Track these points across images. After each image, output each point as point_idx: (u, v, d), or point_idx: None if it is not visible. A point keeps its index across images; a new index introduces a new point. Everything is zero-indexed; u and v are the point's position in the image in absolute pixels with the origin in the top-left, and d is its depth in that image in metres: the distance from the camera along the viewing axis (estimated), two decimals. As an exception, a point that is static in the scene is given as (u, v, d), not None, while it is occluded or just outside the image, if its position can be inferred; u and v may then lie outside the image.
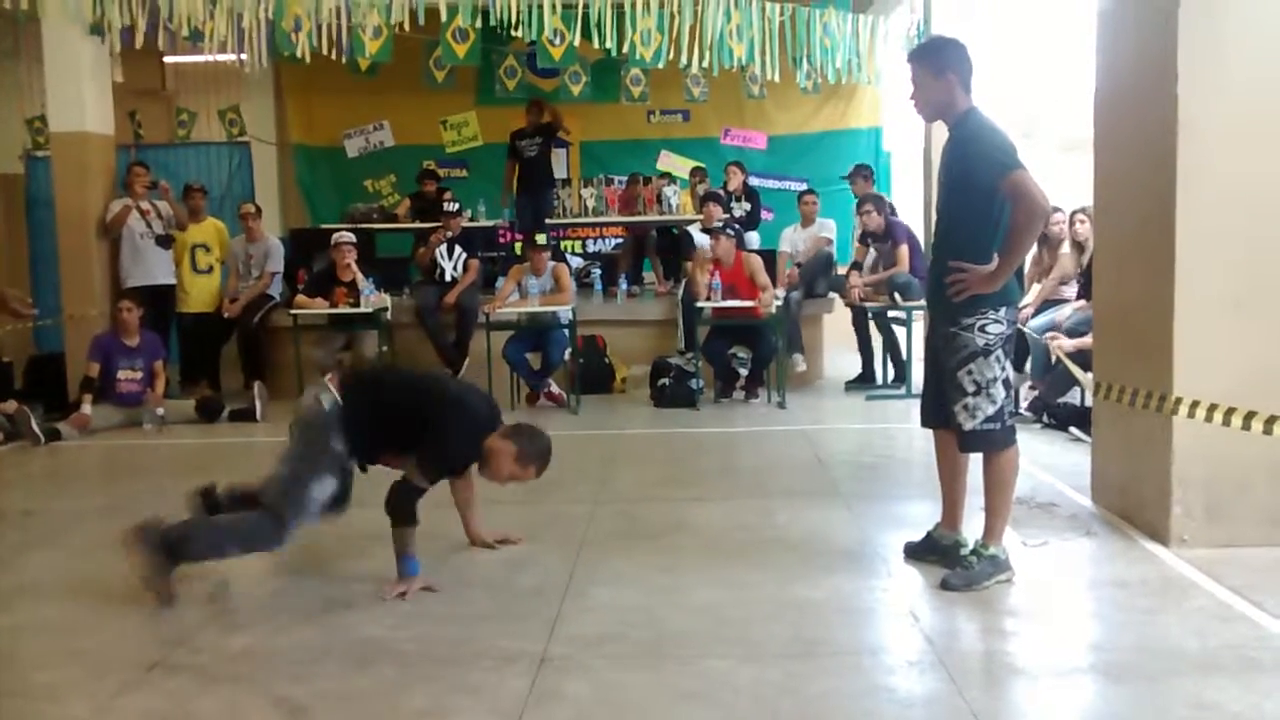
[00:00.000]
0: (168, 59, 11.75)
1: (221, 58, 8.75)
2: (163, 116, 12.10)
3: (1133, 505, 4.70)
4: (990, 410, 3.89)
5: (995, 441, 3.94)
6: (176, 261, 9.06)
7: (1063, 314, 7.29)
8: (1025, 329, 7.38)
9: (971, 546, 4.07)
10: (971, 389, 3.89)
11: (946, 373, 3.97)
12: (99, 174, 8.98)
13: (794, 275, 9.08)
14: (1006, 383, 3.94)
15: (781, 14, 8.71)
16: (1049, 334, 7.06)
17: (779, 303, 8.22)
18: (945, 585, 3.95)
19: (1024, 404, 7.32)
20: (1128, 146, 4.74)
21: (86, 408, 7.69)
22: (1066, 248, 7.73)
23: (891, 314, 8.70)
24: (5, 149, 11.37)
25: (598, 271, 10.87)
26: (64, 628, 3.85)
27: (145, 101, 11.83)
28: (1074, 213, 7.49)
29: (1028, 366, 7.61)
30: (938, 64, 3.93)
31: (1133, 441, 4.69)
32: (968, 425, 3.92)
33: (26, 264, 11.27)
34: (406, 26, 8.10)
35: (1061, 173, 9.22)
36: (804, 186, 11.83)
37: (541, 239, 8.64)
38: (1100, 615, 3.79)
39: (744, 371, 8.35)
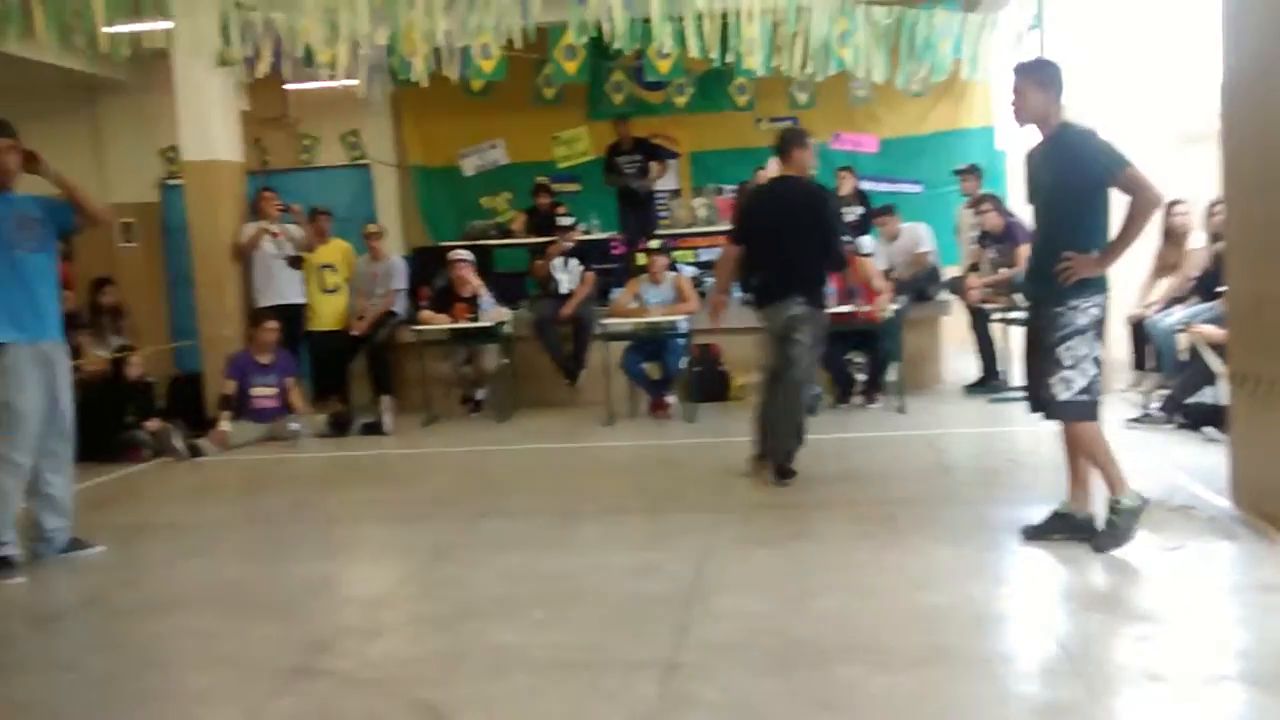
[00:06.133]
0: (289, 87, 12.16)
1: (341, 84, 9.04)
2: (287, 142, 12.50)
3: (1277, 507, 4.54)
4: (1083, 383, 4.31)
5: (1085, 411, 4.34)
6: (305, 281, 9.37)
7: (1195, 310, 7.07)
8: (1153, 326, 7.19)
9: (1107, 507, 4.39)
10: (1069, 363, 4.30)
11: (1046, 351, 4.36)
12: (229, 200, 9.35)
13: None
14: (1097, 361, 4.33)
15: (888, 17, 8.63)
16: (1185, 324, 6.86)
17: (895, 307, 8.14)
18: (1095, 548, 4.31)
19: (1155, 404, 7.12)
20: (1256, 135, 4.59)
21: (225, 425, 8.02)
22: (1200, 241, 7.46)
23: (1012, 315, 8.54)
24: (142, 178, 11.90)
25: (710, 280, 10.89)
26: (212, 634, 4.04)
27: (270, 129, 12.23)
28: (1212, 204, 7.16)
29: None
30: (1043, 79, 4.41)
31: (1273, 440, 4.53)
32: (1062, 395, 4.32)
33: (164, 288, 11.77)
34: (518, 44, 8.26)
35: (1181, 166, 8.93)
36: (918, 189, 11.71)
37: (656, 244, 8.74)
38: (1246, 621, 3.66)
39: (861, 377, 8.29)
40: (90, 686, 3.56)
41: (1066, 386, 4.31)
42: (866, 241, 9.76)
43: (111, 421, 7.78)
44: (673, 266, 9.25)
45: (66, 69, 10.01)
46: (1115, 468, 4.38)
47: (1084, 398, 4.31)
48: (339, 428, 8.30)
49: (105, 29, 7.00)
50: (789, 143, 6.03)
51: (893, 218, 9.46)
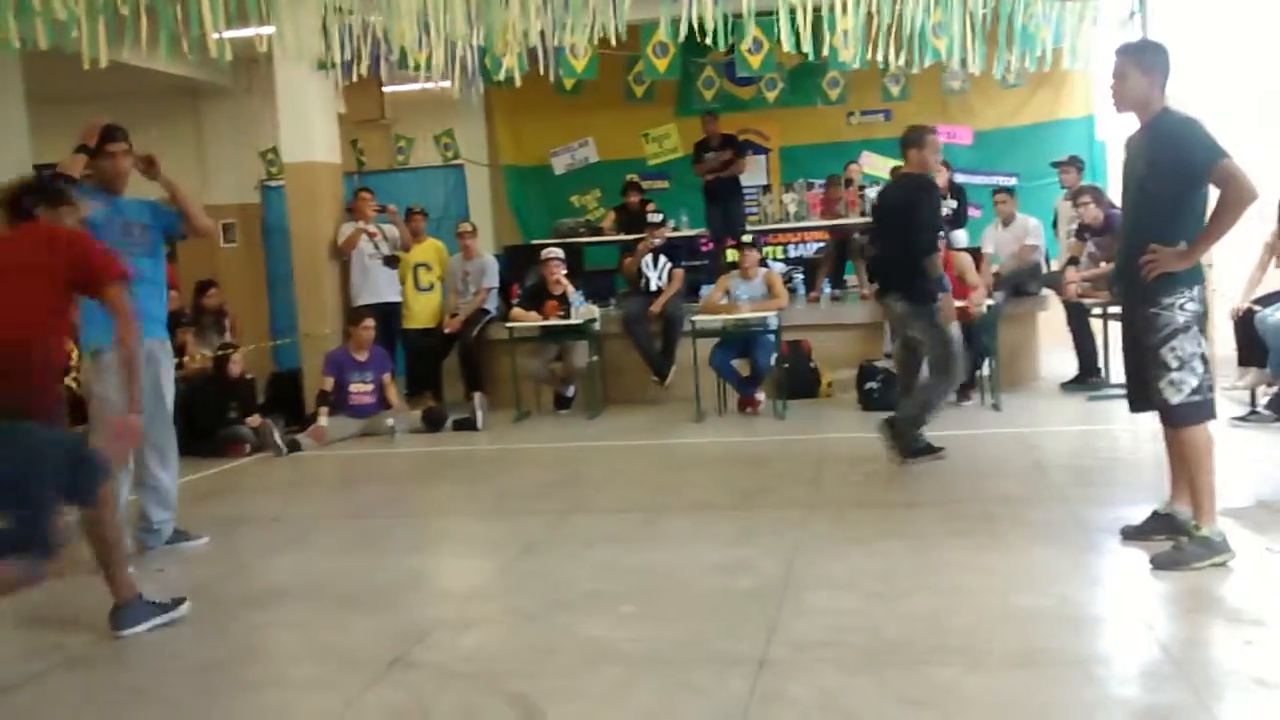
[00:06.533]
0: (386, 89, 12.39)
1: (435, 85, 9.18)
2: (383, 144, 12.76)
3: (1393, 509, 4.36)
4: (1194, 383, 4.08)
5: (1201, 413, 4.11)
6: (400, 280, 9.54)
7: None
8: (1262, 321, 6.94)
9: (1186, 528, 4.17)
10: (1175, 364, 4.08)
11: (1149, 352, 4.15)
12: (328, 201, 9.57)
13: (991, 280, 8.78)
14: (1204, 359, 4.11)
15: (984, 7, 8.48)
16: None
17: (990, 302, 7.99)
18: (1153, 564, 4.07)
19: (1263, 402, 6.89)
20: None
21: (323, 420, 8.21)
22: None
23: (1113, 310, 8.32)
24: (243, 180, 12.24)
25: (800, 276, 10.84)
26: (311, 625, 4.15)
27: (366, 130, 12.48)
28: None
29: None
30: (1147, 61, 4.20)
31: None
32: (1175, 399, 4.10)
33: (264, 286, 12.09)
34: (613, 42, 8.29)
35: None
36: (1014, 181, 11.49)
37: (748, 238, 8.73)
38: (1361, 626, 3.53)
39: (954, 373, 8.14)
40: (196, 674, 3.68)
41: (1177, 389, 4.08)
42: (960, 236, 9.62)
43: (214, 417, 8.02)
44: (763, 262, 9.21)
45: (171, 74, 10.32)
46: (1211, 497, 4.11)
47: (1197, 398, 4.09)
48: (433, 423, 8.44)
49: (213, 34, 7.22)
50: (905, 144, 6.19)
51: (1012, 199, 9.32)
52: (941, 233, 8.10)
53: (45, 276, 3.76)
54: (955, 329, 6.12)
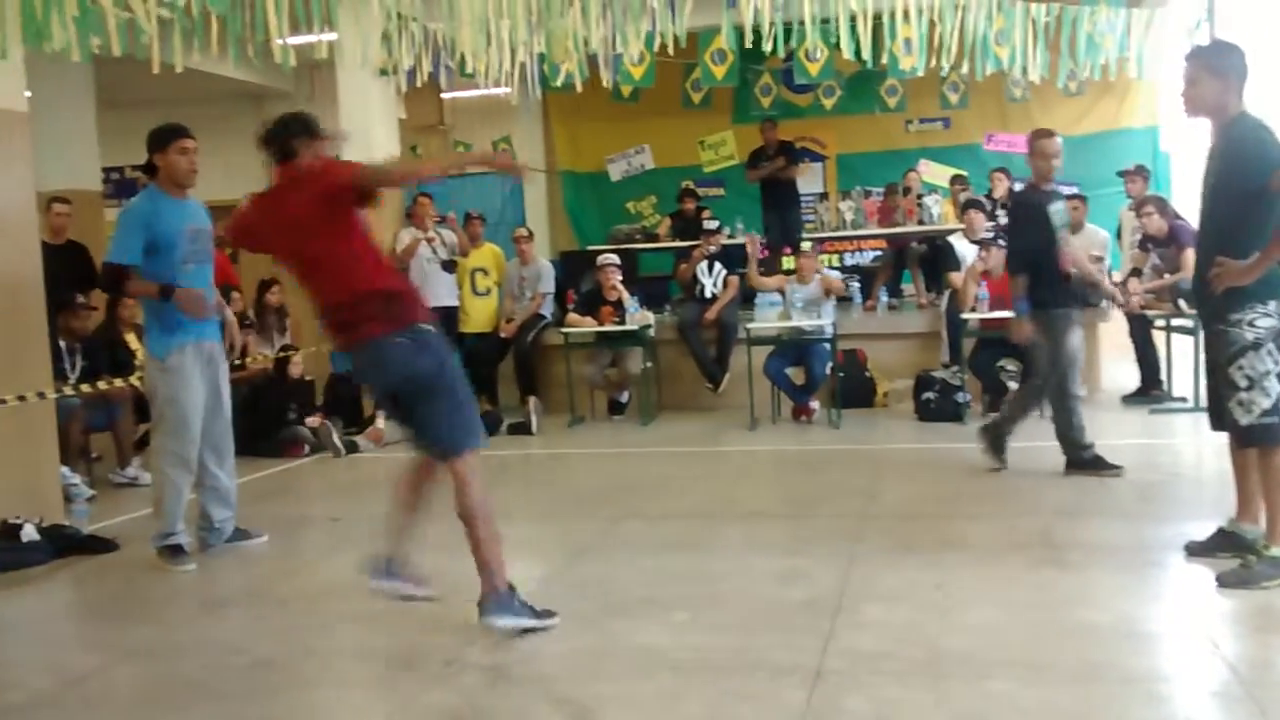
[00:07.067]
0: (444, 95, 12.50)
1: (494, 91, 9.25)
2: (441, 149, 12.87)
3: None
4: (1266, 404, 3.95)
5: (1274, 435, 3.97)
6: (458, 285, 9.60)
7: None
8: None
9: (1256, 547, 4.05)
10: (1244, 384, 3.97)
11: (1219, 371, 4.05)
12: (388, 206, 9.65)
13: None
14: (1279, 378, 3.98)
15: (1047, 14, 8.37)
16: None
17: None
18: (1220, 582, 3.95)
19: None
20: None
21: (380, 422, 8.28)
22: None
23: (1176, 322, 8.17)
24: (305, 185, 12.38)
25: (856, 285, 10.76)
26: (367, 625, 4.17)
27: (425, 136, 12.61)
28: None
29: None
30: (1218, 65, 4.05)
31: None
32: (1244, 420, 3.99)
33: (324, 290, 12.21)
34: (671, 50, 8.29)
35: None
36: (1073, 190, 11.34)
37: (807, 246, 8.70)
38: None
39: (1013, 385, 8.04)
40: (253, 670, 3.72)
41: (1246, 410, 3.97)
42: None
43: (274, 418, 8.12)
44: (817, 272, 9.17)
45: (235, 79, 10.48)
46: None
47: (1271, 420, 3.95)
48: (487, 427, 8.44)
49: (278, 40, 7.33)
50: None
51: (1084, 205, 9.19)
52: (1002, 242, 8.03)
53: (323, 225, 3.80)
54: (1075, 341, 6.03)
